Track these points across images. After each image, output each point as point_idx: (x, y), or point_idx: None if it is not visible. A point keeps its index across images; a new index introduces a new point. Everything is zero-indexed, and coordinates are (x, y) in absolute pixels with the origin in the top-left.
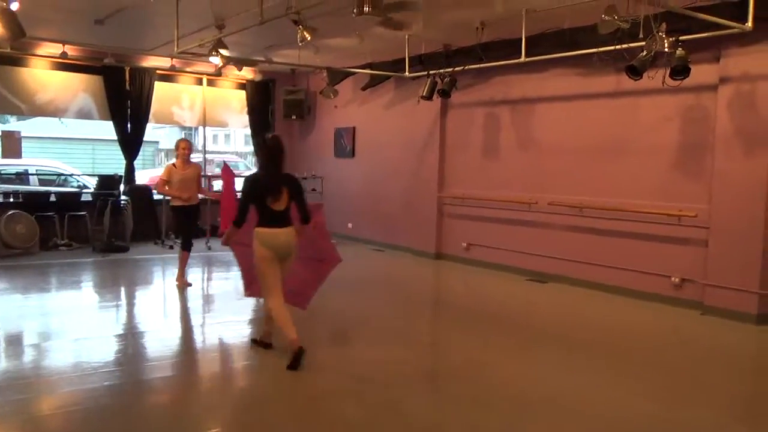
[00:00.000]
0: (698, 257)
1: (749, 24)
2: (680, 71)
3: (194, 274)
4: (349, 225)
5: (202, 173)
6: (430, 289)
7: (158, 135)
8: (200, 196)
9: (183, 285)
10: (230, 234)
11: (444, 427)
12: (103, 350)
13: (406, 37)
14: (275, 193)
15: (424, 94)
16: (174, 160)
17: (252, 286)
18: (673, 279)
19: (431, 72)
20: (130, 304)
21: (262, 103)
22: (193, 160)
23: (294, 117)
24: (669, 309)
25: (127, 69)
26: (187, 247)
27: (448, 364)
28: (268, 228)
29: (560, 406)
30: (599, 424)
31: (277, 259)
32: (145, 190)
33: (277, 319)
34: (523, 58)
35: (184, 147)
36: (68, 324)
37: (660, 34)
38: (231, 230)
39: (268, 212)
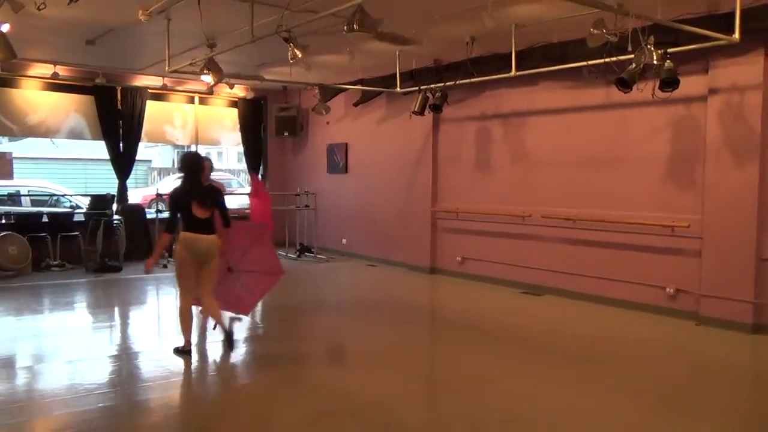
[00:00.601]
0: (692, 267)
1: (736, 35)
2: (669, 83)
3: None
4: (344, 240)
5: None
6: (426, 304)
7: (151, 153)
8: None
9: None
10: (163, 242)
11: None
12: (97, 372)
13: (397, 52)
14: (197, 202)
15: (415, 109)
16: None
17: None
18: (667, 290)
19: (422, 87)
20: (124, 325)
21: (254, 121)
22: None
23: (286, 134)
24: (664, 320)
25: (119, 88)
26: None
27: (445, 380)
28: (191, 233)
29: (558, 420)
30: None
31: (196, 263)
32: (138, 209)
33: (180, 318)
34: (513, 72)
35: (205, 166)
36: (61, 345)
37: (648, 46)
38: (164, 238)
39: (192, 219)
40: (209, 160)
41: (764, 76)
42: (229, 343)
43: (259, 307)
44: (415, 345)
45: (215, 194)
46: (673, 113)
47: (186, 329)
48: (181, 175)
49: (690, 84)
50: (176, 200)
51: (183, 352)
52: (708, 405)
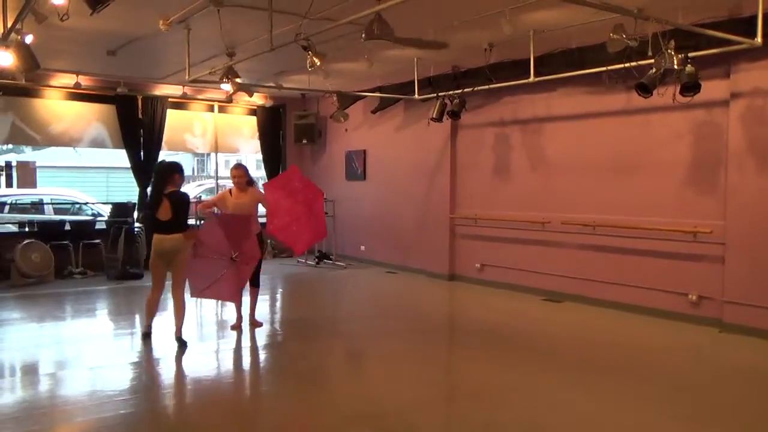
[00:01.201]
0: (715, 274)
1: (758, 39)
2: (690, 87)
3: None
4: (362, 248)
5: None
6: (445, 311)
7: None
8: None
9: (254, 325)
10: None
11: None
12: (119, 378)
13: (415, 59)
14: (158, 206)
15: (433, 116)
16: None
17: (204, 291)
18: (690, 296)
19: (440, 94)
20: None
21: (273, 129)
22: (256, 186)
23: (305, 141)
24: (687, 327)
25: (140, 98)
26: (252, 282)
27: (465, 388)
28: (157, 235)
29: (579, 429)
30: None
31: (162, 262)
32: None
33: (146, 306)
34: (532, 78)
35: (235, 174)
36: (84, 352)
37: (669, 51)
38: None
39: (157, 222)
40: (240, 168)
41: None
42: (181, 344)
43: (278, 314)
44: (434, 352)
45: (177, 200)
46: (694, 118)
47: (149, 315)
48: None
49: (711, 88)
50: (147, 204)
51: (145, 335)
52: (732, 413)
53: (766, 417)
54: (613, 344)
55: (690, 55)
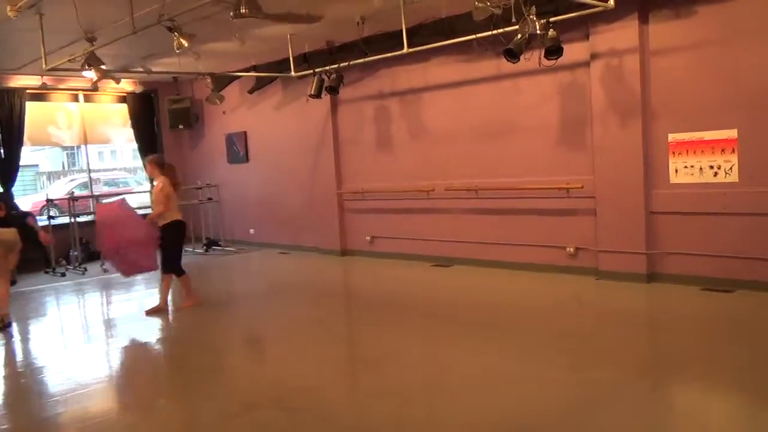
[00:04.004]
0: (589, 226)
1: (611, 2)
2: (554, 51)
3: (93, 298)
4: (251, 231)
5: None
6: (338, 285)
7: (38, 158)
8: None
9: (158, 310)
10: None
11: (368, 424)
12: None
13: (289, 36)
14: None
15: (312, 92)
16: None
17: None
18: (568, 249)
19: (317, 70)
20: (25, 340)
21: (145, 115)
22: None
23: (181, 126)
24: (567, 278)
25: None
26: (165, 269)
27: (365, 359)
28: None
29: (476, 385)
30: (515, 397)
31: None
32: (29, 217)
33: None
34: (405, 50)
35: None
36: None
37: (531, 17)
38: None
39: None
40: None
41: (639, 40)
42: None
43: (170, 306)
44: (332, 328)
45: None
46: (560, 80)
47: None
48: None
49: (574, 51)
50: None
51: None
52: (613, 354)
53: (641, 355)
54: (501, 302)
55: (551, 19)
